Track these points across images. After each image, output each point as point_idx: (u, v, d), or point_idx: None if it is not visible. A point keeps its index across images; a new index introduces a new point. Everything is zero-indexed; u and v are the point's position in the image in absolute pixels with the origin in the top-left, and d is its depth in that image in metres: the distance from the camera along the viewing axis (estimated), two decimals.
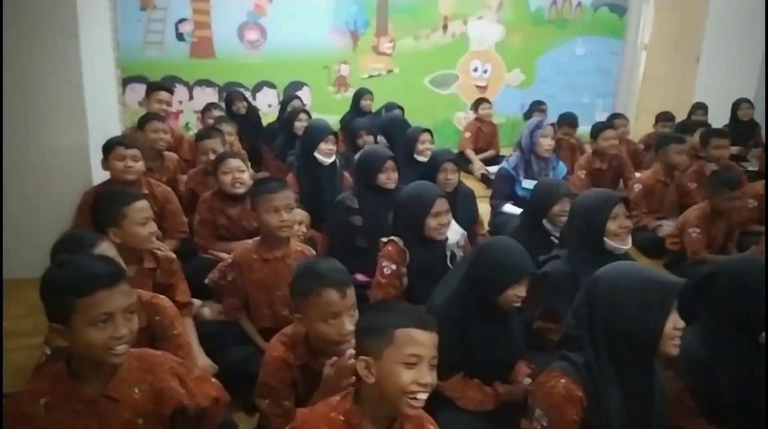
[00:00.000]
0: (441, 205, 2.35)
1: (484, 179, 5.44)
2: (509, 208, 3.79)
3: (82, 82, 2.99)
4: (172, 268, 2.33)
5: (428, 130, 3.79)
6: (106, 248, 1.77)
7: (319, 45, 6.25)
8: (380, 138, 4.24)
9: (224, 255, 2.92)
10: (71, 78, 2.97)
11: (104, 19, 3.88)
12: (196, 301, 2.59)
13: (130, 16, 5.50)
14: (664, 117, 5.53)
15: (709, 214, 3.37)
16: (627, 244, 2.18)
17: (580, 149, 5.46)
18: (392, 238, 2.43)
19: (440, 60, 6.83)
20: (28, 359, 2.38)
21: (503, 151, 6.07)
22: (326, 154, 3.35)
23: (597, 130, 4.12)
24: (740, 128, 5.33)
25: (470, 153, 5.83)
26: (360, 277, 2.94)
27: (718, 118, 5.48)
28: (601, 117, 7.71)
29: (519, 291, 1.90)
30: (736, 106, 5.50)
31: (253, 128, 5.15)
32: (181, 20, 5.74)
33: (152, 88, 4.13)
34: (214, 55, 5.92)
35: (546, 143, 3.81)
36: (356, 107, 5.63)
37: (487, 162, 5.80)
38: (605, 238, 2.16)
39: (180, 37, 5.77)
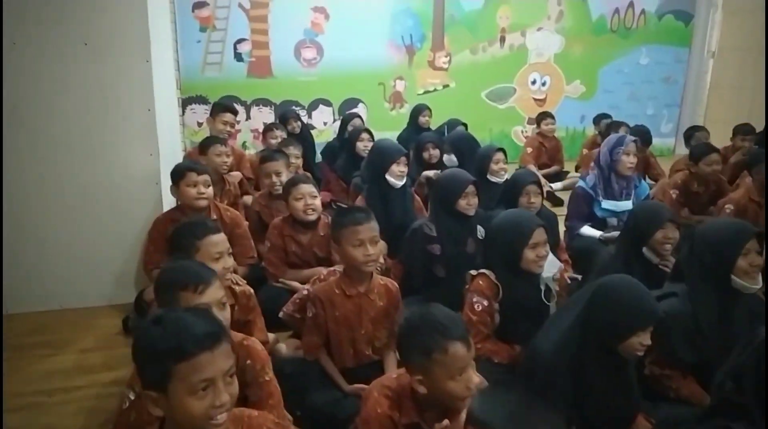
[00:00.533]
0: (539, 235, 2.15)
1: (548, 197, 5.20)
2: (587, 230, 3.54)
3: (154, 106, 2.93)
4: (250, 304, 2.20)
5: (502, 149, 3.58)
6: (218, 288, 1.63)
7: (375, 61, 6.17)
8: (452, 157, 4.04)
9: (296, 284, 2.81)
10: (144, 102, 2.91)
11: (167, 40, 3.85)
12: (271, 336, 2.46)
13: (190, 37, 5.54)
14: (743, 130, 5.14)
15: None
16: (757, 284, 1.92)
17: (651, 162, 5.17)
18: (483, 270, 2.24)
19: (497, 73, 6.66)
20: (98, 399, 2.30)
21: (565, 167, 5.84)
22: (398, 176, 3.19)
23: (700, 153, 3.76)
24: None
25: (532, 169, 5.58)
26: None
27: None
28: (667, 128, 7.40)
29: (644, 338, 1.68)
30: None
31: (307, 147, 5.06)
32: (240, 40, 5.75)
33: (218, 109, 4.08)
34: (272, 74, 5.91)
35: (628, 161, 3.54)
36: (414, 123, 5.47)
37: (550, 178, 5.56)
38: (732, 276, 1.92)
39: (238, 57, 5.78)
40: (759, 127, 5.20)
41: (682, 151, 6.03)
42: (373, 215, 2.14)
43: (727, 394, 1.32)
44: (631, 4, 6.82)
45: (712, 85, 7.30)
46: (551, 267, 2.24)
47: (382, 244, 2.81)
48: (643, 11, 6.87)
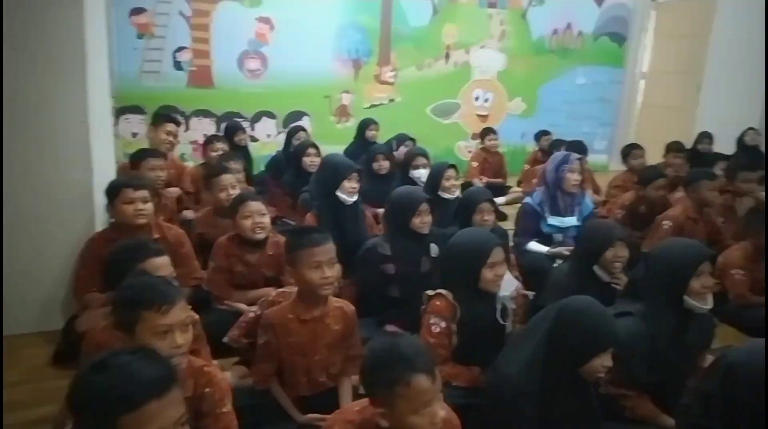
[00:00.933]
0: (498, 254, 2.12)
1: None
2: (534, 245, 3.59)
3: (88, 119, 2.72)
4: (195, 331, 2.04)
5: (453, 166, 3.58)
6: (182, 308, 1.52)
7: (322, 74, 6.08)
8: (425, 171, 4.01)
9: (242, 306, 2.67)
10: (77, 113, 2.70)
11: (102, 47, 3.62)
12: (214, 363, 2.31)
13: (127, 44, 5.27)
14: (675, 147, 5.37)
15: (752, 254, 3.21)
16: (708, 305, 1.97)
17: (590, 177, 5.33)
18: (440, 291, 2.19)
19: (443, 89, 6.71)
20: None
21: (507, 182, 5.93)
22: (350, 192, 3.11)
23: (648, 178, 3.94)
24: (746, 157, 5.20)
25: (477, 183, 5.65)
26: (392, 328, 2.70)
27: (722, 147, 5.38)
28: (600, 146, 7.67)
29: (606, 360, 1.67)
30: (743, 134, 5.41)
31: (247, 161, 4.92)
32: (180, 48, 5.52)
33: (161, 119, 3.89)
34: (213, 84, 5.70)
35: (573, 178, 3.63)
36: (361, 137, 5.41)
37: (493, 193, 5.62)
38: (685, 297, 1.95)
39: (178, 65, 5.53)
40: (688, 145, 5.48)
41: (617, 166, 6.26)
42: (330, 236, 2.06)
43: (694, 419, 1.32)
44: (569, 26, 7.06)
45: (643, 104, 7.67)
46: (508, 286, 2.22)
47: (338, 267, 2.73)
48: (580, 32, 7.12)
